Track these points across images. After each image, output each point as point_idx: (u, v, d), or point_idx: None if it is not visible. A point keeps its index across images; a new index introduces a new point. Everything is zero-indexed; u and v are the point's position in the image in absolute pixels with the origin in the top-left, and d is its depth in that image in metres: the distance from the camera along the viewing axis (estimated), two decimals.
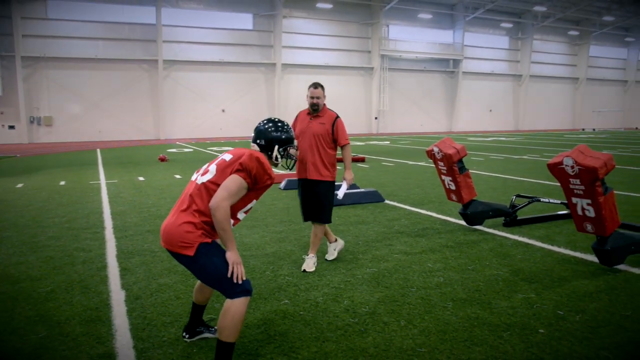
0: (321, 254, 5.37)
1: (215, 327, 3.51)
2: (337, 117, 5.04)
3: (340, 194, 5.08)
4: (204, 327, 3.47)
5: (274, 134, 3.25)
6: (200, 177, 2.99)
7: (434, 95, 42.95)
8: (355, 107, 38.70)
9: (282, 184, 10.13)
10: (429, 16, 40.60)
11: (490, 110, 46.13)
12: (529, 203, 7.11)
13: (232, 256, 2.83)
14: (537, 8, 42.44)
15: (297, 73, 36.72)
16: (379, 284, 4.48)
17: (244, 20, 34.99)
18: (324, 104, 5.08)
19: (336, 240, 5.32)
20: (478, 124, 45.02)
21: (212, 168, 2.98)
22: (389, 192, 9.54)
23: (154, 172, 13.40)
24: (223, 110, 34.83)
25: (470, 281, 4.55)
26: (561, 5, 43.46)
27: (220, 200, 2.77)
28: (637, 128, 52.05)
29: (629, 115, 54.65)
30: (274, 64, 35.52)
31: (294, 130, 4.86)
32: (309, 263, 4.92)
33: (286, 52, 35.94)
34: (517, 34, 46.60)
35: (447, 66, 43.04)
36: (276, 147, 3.24)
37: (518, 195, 7.31)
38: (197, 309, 3.41)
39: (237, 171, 2.89)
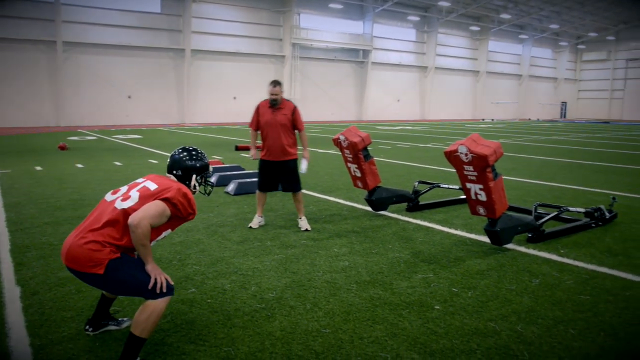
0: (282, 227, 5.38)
1: (121, 319, 3.45)
2: (295, 107, 6.05)
3: (303, 169, 6.11)
4: (109, 319, 3.39)
5: (189, 162, 3.22)
6: (119, 202, 2.90)
7: (345, 84, 43.69)
8: (266, 95, 38.44)
9: None
10: (340, 6, 41.11)
11: (398, 100, 47.71)
12: (430, 189, 7.51)
13: (153, 269, 2.82)
14: (442, 3, 44.28)
15: (208, 59, 35.90)
16: (286, 269, 4.57)
17: (152, 2, 33.57)
18: (282, 97, 6.00)
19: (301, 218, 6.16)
20: (386, 113, 46.41)
21: (134, 195, 2.92)
22: None
23: (54, 161, 12.64)
24: (129, 97, 33.35)
25: (374, 264, 4.76)
26: (463, 2, 45.64)
27: (141, 218, 2.73)
28: (529, 119, 56.02)
29: (523, 107, 58.72)
30: (183, 50, 34.45)
31: (258, 120, 6.00)
32: (303, 224, 6.02)
33: (196, 37, 34.98)
34: (423, 27, 48.38)
35: (357, 56, 43.90)
36: (194, 176, 3.24)
37: (420, 182, 7.69)
38: (106, 302, 3.32)
39: (163, 199, 2.89)
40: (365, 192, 6.99)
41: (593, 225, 6.26)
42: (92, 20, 31.28)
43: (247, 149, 15.87)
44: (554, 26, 55.38)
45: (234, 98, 37.14)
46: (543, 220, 5.73)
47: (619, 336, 3.35)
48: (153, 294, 2.79)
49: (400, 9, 44.66)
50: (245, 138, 20.28)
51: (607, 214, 6.44)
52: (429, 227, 6.22)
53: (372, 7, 42.58)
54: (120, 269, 2.77)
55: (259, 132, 6.13)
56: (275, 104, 5.95)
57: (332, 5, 40.68)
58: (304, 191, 8.42)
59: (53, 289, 4.08)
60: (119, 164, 12.16)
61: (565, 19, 53.73)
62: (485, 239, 5.62)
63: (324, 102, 42.21)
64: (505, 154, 15.60)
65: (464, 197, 7.57)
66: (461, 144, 5.01)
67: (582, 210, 6.33)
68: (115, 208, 2.88)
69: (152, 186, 2.97)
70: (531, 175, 10.70)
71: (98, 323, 3.32)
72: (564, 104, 64.01)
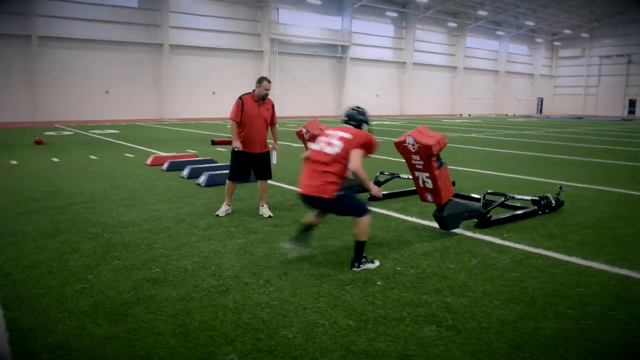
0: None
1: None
2: (273, 103, 6.59)
3: (274, 160, 6.65)
4: (306, 239, 4.80)
5: (361, 117, 4.74)
6: (328, 148, 4.41)
7: (323, 79, 44.02)
8: (244, 90, 37.81)
9: (165, 165, 10.23)
10: (318, 2, 41.37)
11: (377, 95, 48.16)
12: (391, 179, 7.91)
13: (373, 188, 4.51)
14: None
15: (186, 54, 35.92)
16: (245, 252, 4.93)
17: None
18: None
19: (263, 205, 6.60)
20: (365, 108, 46.71)
21: (338, 143, 4.39)
22: None
23: (29, 156, 12.79)
24: (107, 92, 33.25)
25: (329, 247, 5.14)
26: None
27: (357, 164, 4.32)
28: (506, 114, 56.96)
29: (500, 102, 59.66)
30: (161, 45, 34.45)
31: (244, 113, 6.28)
32: (265, 211, 6.45)
33: (174, 32, 34.98)
34: (401, 23, 48.89)
35: (336, 52, 44.24)
36: (366, 126, 4.73)
37: (381, 173, 8.08)
38: (309, 227, 4.72)
39: (360, 146, 4.39)
40: None
41: (540, 212, 6.71)
42: (67, 15, 31.12)
43: (224, 143, 16.05)
44: (529, 23, 56.34)
45: (213, 93, 37.22)
46: (490, 207, 6.17)
47: (536, 305, 3.77)
48: (360, 213, 4.38)
49: (378, 5, 45.09)
50: (222, 133, 20.51)
51: (553, 202, 6.89)
52: (386, 215, 6.61)
53: (351, 2, 42.94)
54: (342, 198, 4.38)
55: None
56: (264, 98, 6.39)
57: (310, 1, 40.90)
58: (272, 182, 8.80)
59: (26, 271, 4.37)
60: (94, 158, 12.36)
61: (541, 16, 54.74)
62: (437, 224, 6.02)
63: (302, 97, 42.48)
64: (474, 147, 16.20)
65: None
66: (408, 135, 5.40)
67: (529, 198, 6.78)
68: (327, 154, 4.39)
69: (347, 135, 4.42)
70: (494, 167, 11.17)
71: (301, 240, 4.69)
72: (540, 99, 65.19)
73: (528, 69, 63.68)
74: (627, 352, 3.12)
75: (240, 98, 6.38)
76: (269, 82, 6.38)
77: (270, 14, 38.79)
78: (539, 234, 5.77)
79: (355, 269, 4.42)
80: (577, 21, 57.95)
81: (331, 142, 4.42)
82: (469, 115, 51.35)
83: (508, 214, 6.46)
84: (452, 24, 52.66)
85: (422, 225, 6.15)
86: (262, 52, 39.28)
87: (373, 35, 47.04)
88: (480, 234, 5.75)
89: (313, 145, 4.54)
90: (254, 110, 6.31)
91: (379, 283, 4.15)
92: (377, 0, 44.29)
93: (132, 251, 4.92)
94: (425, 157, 5.32)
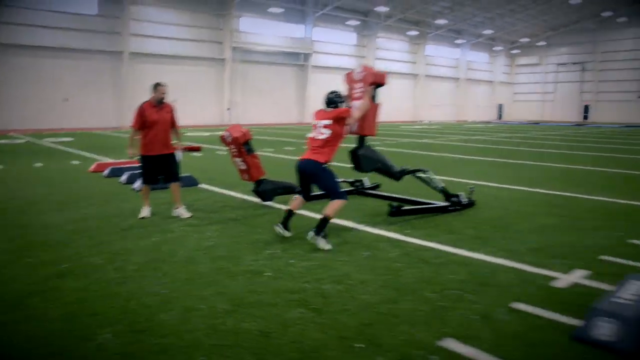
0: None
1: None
2: (173, 107, 6.99)
3: (180, 156, 7.17)
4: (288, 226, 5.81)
5: (337, 99, 5.89)
6: (320, 135, 5.67)
7: (285, 87, 44.43)
8: (206, 98, 38.84)
9: (106, 172, 10.47)
10: (280, 10, 41.83)
11: None
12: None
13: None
14: (380, 8, 45.74)
15: (147, 62, 35.85)
16: (156, 249, 5.30)
17: (88, 4, 33.32)
18: None
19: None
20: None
21: (325, 130, 5.65)
22: (208, 177, 10.28)
23: None
24: (66, 100, 32.97)
25: (236, 244, 5.54)
26: (401, 7, 47.30)
27: (355, 117, 6.31)
28: (466, 120, 58.35)
29: (461, 109, 61.08)
30: (121, 52, 34.38)
31: (144, 119, 6.64)
32: (182, 212, 6.83)
33: (134, 40, 34.94)
34: (363, 31, 49.73)
35: (298, 60, 44.74)
36: (343, 104, 5.93)
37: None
38: (291, 214, 5.81)
39: (341, 120, 5.71)
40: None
41: (450, 209, 7.24)
42: (24, 22, 30.77)
43: (192, 149, 16.14)
44: (488, 31, 57.95)
45: (174, 101, 36.95)
46: (405, 173, 7.07)
47: (403, 290, 4.23)
48: (338, 195, 5.53)
49: (340, 14, 45.82)
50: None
51: (462, 200, 7.42)
52: (304, 215, 6.99)
53: (313, 11, 43.54)
54: (329, 173, 5.63)
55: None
56: (162, 102, 6.81)
57: (272, 10, 41.31)
58: (205, 186, 9.20)
59: None
60: (39, 165, 12.49)
61: (499, 25, 56.40)
62: (346, 223, 6.46)
63: (265, 105, 42.78)
64: (418, 152, 16.88)
65: (350, 189, 8.48)
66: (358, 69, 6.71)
67: (441, 186, 7.36)
68: (320, 139, 5.66)
69: (327, 121, 5.66)
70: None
71: (286, 225, 5.74)
72: (500, 105, 66.96)
73: (488, 76, 65.37)
74: (406, 324, 3.59)
75: (140, 106, 6.78)
76: (164, 86, 6.83)
77: (232, 22, 39.08)
78: (440, 230, 6.26)
79: (310, 236, 5.44)
80: (534, 30, 59.90)
81: (320, 131, 5.69)
82: (429, 121, 52.47)
83: (419, 206, 7.03)
84: (412, 33, 53.79)
85: (336, 224, 6.47)
86: (223, 60, 39.49)
87: (335, 43, 47.69)
88: (384, 230, 6.19)
89: (309, 134, 5.86)
90: (154, 115, 6.70)
91: (267, 274, 4.57)
92: (338, 9, 45.02)
93: (48, 249, 5.23)
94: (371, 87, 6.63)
